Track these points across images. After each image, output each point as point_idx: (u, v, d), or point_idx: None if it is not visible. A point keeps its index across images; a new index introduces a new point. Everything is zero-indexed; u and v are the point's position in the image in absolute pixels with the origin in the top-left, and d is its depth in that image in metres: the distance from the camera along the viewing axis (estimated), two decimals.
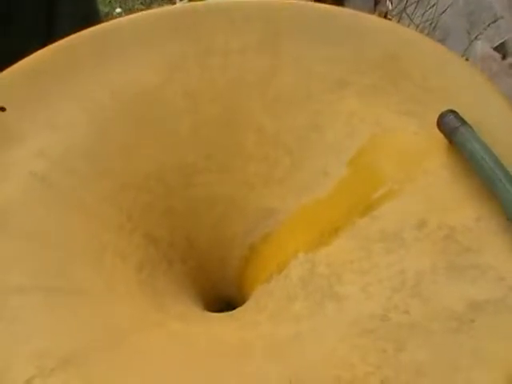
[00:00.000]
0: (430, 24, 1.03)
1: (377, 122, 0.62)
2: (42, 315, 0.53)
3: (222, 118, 0.66)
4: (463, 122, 0.57)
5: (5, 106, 0.64)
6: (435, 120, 0.59)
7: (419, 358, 0.45)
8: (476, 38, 0.95)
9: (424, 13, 0.99)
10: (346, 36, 0.67)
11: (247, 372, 0.48)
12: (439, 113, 0.59)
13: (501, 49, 0.77)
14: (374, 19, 0.68)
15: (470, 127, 0.56)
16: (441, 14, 0.94)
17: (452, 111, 0.58)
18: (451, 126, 0.56)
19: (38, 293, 0.55)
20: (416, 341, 0.46)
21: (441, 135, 0.59)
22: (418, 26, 1.07)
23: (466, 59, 0.65)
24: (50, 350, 0.50)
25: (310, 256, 0.58)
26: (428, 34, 0.76)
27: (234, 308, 0.62)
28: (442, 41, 0.78)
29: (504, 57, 0.71)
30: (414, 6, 1.04)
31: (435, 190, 0.56)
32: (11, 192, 0.60)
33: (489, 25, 0.92)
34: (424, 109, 0.61)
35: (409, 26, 0.77)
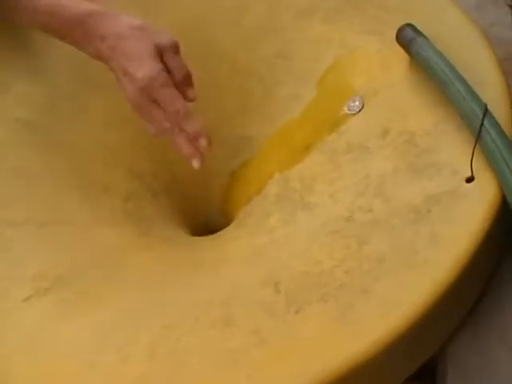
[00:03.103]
0: None
1: (341, 43, 0.64)
2: (34, 244, 0.57)
3: (196, 52, 0.68)
4: (419, 33, 0.59)
5: None
6: (395, 37, 0.61)
7: (380, 249, 0.48)
8: None
9: None
10: None
11: (223, 277, 0.52)
12: None
13: None
14: None
15: (426, 38, 0.58)
16: None
17: (409, 25, 0.60)
18: (408, 38, 0.59)
19: (30, 225, 0.58)
20: (378, 235, 0.50)
21: (402, 51, 0.61)
22: None
23: None
24: (43, 272, 0.54)
25: (284, 174, 0.62)
26: None
27: None
28: None
29: None
30: None
31: (396, 101, 0.59)
32: (2, 136, 0.63)
33: None
34: (385, 27, 0.63)
35: None
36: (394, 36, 0.61)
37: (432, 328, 0.46)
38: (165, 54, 0.58)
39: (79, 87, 0.67)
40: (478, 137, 0.49)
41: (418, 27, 0.60)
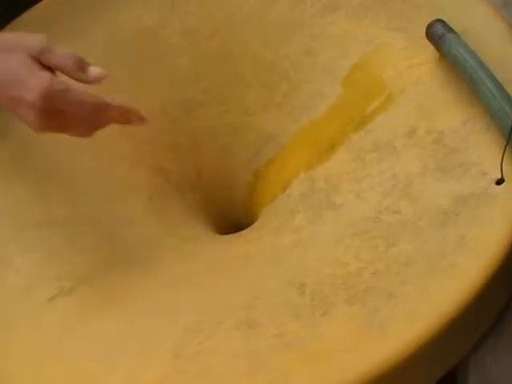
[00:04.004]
0: None
1: (368, 40, 0.63)
2: (59, 244, 0.57)
3: (219, 51, 0.68)
4: (450, 29, 0.58)
5: None
6: (423, 33, 0.60)
7: (408, 251, 0.48)
8: None
9: None
10: None
11: (247, 278, 0.51)
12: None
13: None
14: None
15: (457, 34, 0.57)
16: None
17: (439, 20, 0.59)
18: (438, 34, 0.58)
19: (54, 225, 0.58)
20: (405, 236, 0.49)
21: (430, 47, 0.60)
22: None
23: None
24: (68, 272, 0.54)
25: (309, 173, 0.61)
26: None
27: None
28: None
29: None
30: None
31: (424, 99, 0.58)
32: (24, 135, 0.63)
33: None
34: (412, 23, 0.62)
35: None
36: (422, 32, 0.60)
37: (459, 334, 0.45)
38: (42, 56, 0.51)
39: (105, 85, 0.66)
40: (509, 138, 0.48)
41: (448, 22, 0.59)
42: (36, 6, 0.69)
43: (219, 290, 0.51)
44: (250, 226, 0.65)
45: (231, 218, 0.69)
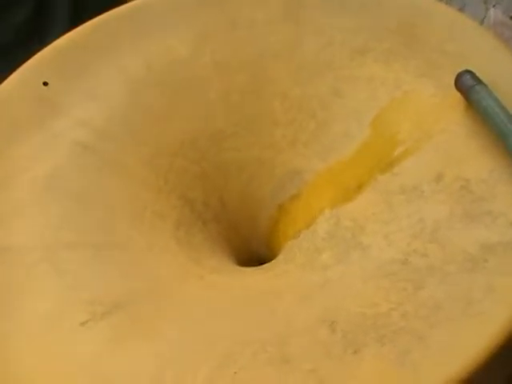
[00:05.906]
0: None
1: (396, 85, 0.66)
2: (90, 268, 0.58)
3: (249, 86, 0.70)
4: (479, 81, 0.60)
5: (48, 81, 0.69)
6: (451, 82, 0.62)
7: (436, 295, 0.49)
8: (494, 7, 0.97)
9: None
10: (365, 6, 0.71)
11: (277, 313, 0.53)
12: (455, 75, 0.62)
13: None
14: None
15: (486, 86, 0.60)
16: None
17: (469, 71, 0.61)
18: (468, 85, 0.60)
19: (85, 248, 0.60)
20: (434, 280, 0.50)
21: (457, 96, 0.62)
22: None
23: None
24: (99, 297, 0.55)
25: (335, 212, 0.63)
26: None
27: None
28: (459, 11, 0.81)
29: None
30: None
31: (451, 146, 0.60)
32: (58, 159, 0.65)
33: None
34: (440, 71, 0.64)
35: None
36: (450, 81, 0.62)
37: (488, 380, 0.47)
38: None
39: (135, 114, 0.68)
40: None
41: (476, 73, 0.61)
42: (75, 29, 0.71)
43: (250, 322, 0.53)
44: (271, 259, 0.67)
45: (252, 250, 0.70)
